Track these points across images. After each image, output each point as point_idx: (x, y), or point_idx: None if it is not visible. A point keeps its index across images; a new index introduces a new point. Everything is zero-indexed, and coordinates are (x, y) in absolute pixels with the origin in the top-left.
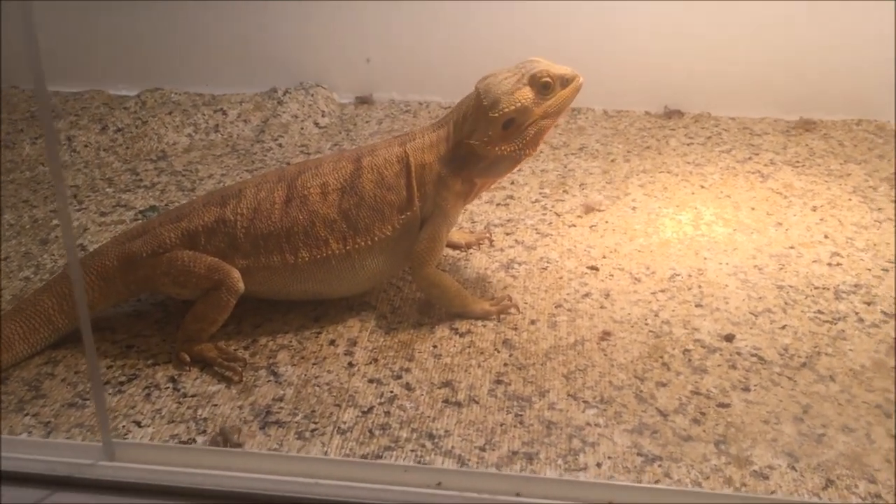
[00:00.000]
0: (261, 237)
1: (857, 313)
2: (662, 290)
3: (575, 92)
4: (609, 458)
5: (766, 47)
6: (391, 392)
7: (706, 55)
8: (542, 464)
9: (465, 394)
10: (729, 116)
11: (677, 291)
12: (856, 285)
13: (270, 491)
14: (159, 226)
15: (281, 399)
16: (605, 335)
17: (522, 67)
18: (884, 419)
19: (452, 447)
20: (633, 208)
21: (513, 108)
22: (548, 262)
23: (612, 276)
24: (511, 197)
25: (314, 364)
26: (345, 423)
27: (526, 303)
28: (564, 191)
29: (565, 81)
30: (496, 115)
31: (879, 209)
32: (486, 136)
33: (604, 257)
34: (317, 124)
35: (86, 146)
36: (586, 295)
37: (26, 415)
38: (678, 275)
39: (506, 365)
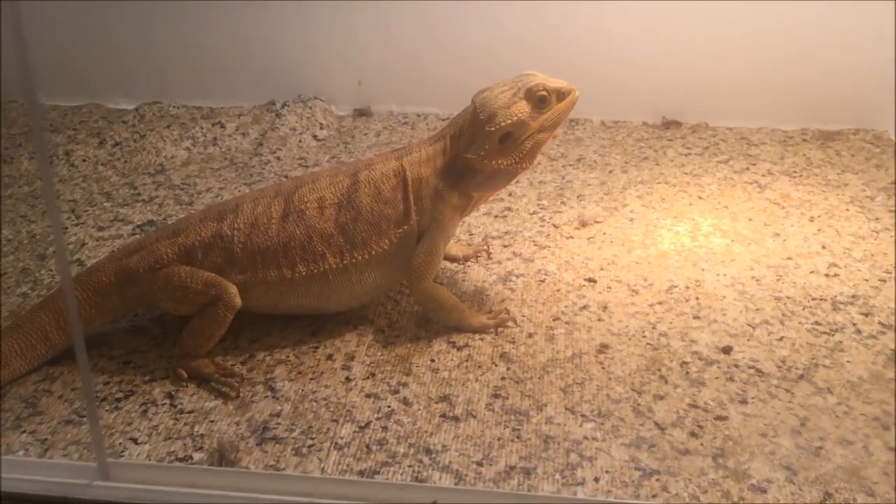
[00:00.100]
0: (258, 252)
1: (854, 324)
2: (660, 302)
3: (571, 105)
4: (607, 472)
5: (763, 58)
6: (388, 407)
7: (704, 66)
8: (539, 478)
9: (463, 408)
10: (726, 126)
11: (675, 303)
12: (853, 296)
13: None
14: (156, 241)
15: (278, 414)
16: (603, 348)
17: (518, 81)
18: (882, 431)
19: (450, 462)
20: (631, 219)
21: (509, 122)
22: (545, 275)
23: (609, 288)
24: (509, 209)
25: (311, 379)
26: (342, 438)
27: (523, 316)
28: (562, 202)
29: (561, 95)
30: (493, 129)
31: (877, 219)
32: (483, 150)
33: (601, 269)
34: (315, 137)
35: (84, 160)
36: (584, 307)
37: (23, 432)
38: (676, 286)
39: (503, 378)
